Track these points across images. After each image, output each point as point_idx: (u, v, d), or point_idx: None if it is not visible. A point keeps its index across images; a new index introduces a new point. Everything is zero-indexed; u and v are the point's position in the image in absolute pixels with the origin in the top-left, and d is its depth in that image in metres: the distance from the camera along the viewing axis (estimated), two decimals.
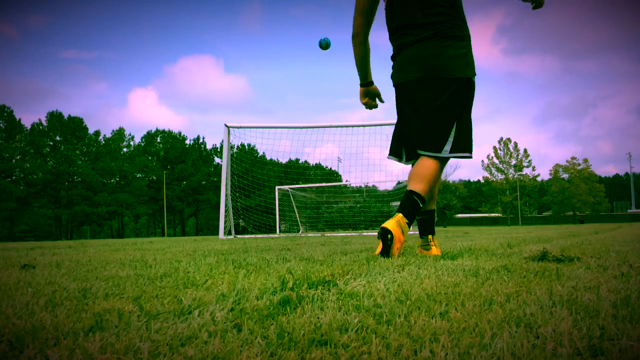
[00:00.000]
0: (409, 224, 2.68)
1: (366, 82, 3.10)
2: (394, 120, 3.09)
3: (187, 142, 61.23)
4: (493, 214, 65.25)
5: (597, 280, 1.48)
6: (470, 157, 2.82)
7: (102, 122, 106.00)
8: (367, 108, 3.21)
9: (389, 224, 2.59)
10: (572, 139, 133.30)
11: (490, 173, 62.81)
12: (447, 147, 2.77)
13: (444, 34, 2.76)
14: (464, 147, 2.78)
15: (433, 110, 2.78)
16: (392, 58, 2.98)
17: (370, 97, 3.16)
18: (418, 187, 2.74)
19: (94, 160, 53.76)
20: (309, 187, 27.42)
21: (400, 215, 2.66)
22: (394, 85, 2.97)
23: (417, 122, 2.84)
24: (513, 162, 61.28)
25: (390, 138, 3.08)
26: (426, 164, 2.79)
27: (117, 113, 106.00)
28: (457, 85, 2.75)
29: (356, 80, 3.13)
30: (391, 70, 2.99)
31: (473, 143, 2.85)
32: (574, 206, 63.85)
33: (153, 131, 60.89)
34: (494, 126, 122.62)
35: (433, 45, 2.76)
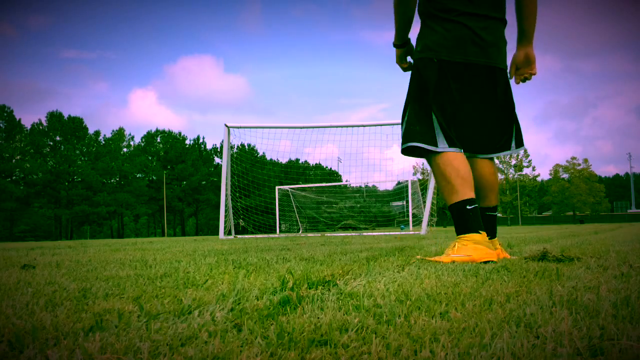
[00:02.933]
0: (492, 237, 2.54)
1: (406, 41, 2.65)
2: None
3: (187, 142, 61.29)
4: None
5: (597, 280, 1.48)
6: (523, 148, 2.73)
7: (102, 122, 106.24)
8: (406, 71, 2.71)
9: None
10: (572, 139, 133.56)
11: None
12: (513, 143, 2.62)
13: (502, 18, 2.51)
14: (520, 140, 2.65)
15: (497, 105, 2.54)
16: (432, 23, 2.49)
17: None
18: (484, 202, 2.62)
19: (94, 160, 53.79)
20: (309, 187, 27.44)
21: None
22: (442, 61, 2.44)
23: (479, 118, 2.55)
24: (513, 162, 61.30)
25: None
26: (488, 170, 2.63)
27: (117, 113, 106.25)
28: (507, 77, 2.56)
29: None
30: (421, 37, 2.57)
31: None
32: (574, 206, 63.84)
33: (153, 131, 61.01)
34: None
35: (495, 28, 2.48)
